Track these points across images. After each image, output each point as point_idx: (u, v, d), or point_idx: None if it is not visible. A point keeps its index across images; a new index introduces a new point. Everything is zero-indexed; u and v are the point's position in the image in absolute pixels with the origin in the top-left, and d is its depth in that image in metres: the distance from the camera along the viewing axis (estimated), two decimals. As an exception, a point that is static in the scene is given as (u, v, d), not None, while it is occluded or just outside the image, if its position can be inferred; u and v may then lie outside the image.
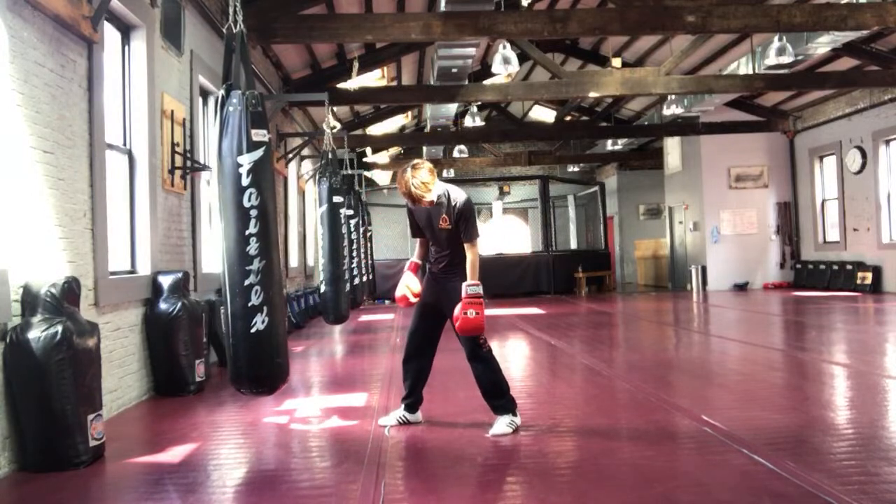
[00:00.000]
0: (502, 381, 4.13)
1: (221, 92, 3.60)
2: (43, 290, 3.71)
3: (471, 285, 3.98)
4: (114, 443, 3.99)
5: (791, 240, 15.83)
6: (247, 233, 3.49)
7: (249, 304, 3.49)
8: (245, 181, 3.49)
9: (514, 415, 4.09)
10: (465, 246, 4.06)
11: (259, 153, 3.52)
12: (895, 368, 6.03)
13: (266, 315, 3.49)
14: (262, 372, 3.59)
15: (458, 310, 3.95)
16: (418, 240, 4.33)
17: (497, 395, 4.11)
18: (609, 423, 4.37)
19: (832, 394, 5.21)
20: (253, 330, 3.49)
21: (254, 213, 3.49)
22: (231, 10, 3.60)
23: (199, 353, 5.66)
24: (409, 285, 4.18)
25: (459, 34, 7.59)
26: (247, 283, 3.48)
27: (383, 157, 19.47)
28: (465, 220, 4.05)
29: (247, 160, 3.50)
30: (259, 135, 3.54)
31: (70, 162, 4.34)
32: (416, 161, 4.11)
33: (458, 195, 4.10)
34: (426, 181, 4.00)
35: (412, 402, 4.28)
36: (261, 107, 3.58)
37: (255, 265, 3.49)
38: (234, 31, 3.61)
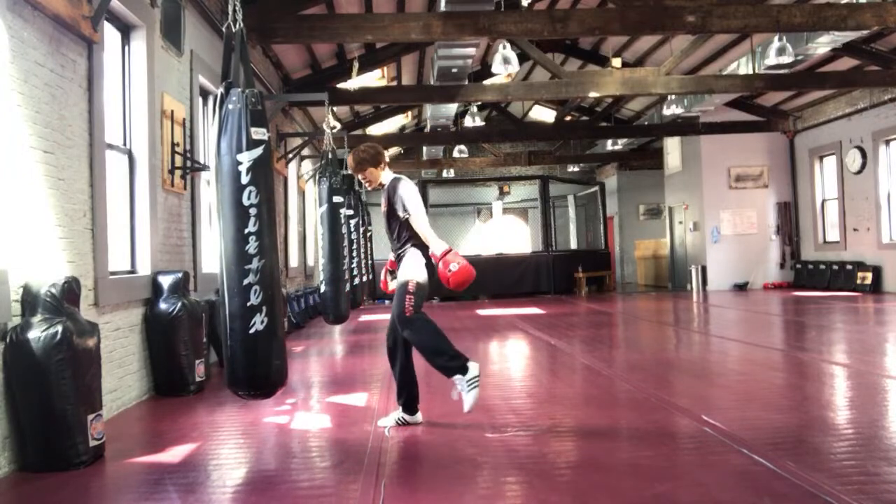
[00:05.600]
0: (435, 339, 4.08)
1: (220, 90, 3.58)
2: (43, 290, 3.71)
3: (437, 248, 4.09)
4: (114, 443, 3.99)
5: (791, 240, 15.84)
6: (246, 231, 3.45)
7: (248, 304, 3.44)
8: (244, 179, 3.46)
9: (466, 370, 4.01)
10: (411, 221, 4.17)
11: (259, 151, 3.50)
12: (895, 368, 6.03)
13: (265, 315, 3.45)
14: (261, 374, 3.51)
15: (440, 269, 4.06)
16: None
17: (436, 353, 4.07)
18: (609, 423, 4.37)
19: (832, 394, 5.21)
20: (252, 330, 3.44)
21: (253, 211, 3.46)
22: (231, 9, 3.60)
23: (199, 353, 5.66)
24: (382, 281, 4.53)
25: (459, 34, 7.59)
26: (246, 282, 3.44)
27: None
28: (400, 197, 4.19)
29: (246, 158, 3.47)
30: (259, 133, 3.51)
31: (70, 162, 4.34)
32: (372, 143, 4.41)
33: (398, 179, 4.29)
34: (366, 157, 4.29)
35: (406, 400, 4.26)
36: (260, 105, 3.56)
37: (255, 264, 3.45)
38: (234, 29, 3.60)
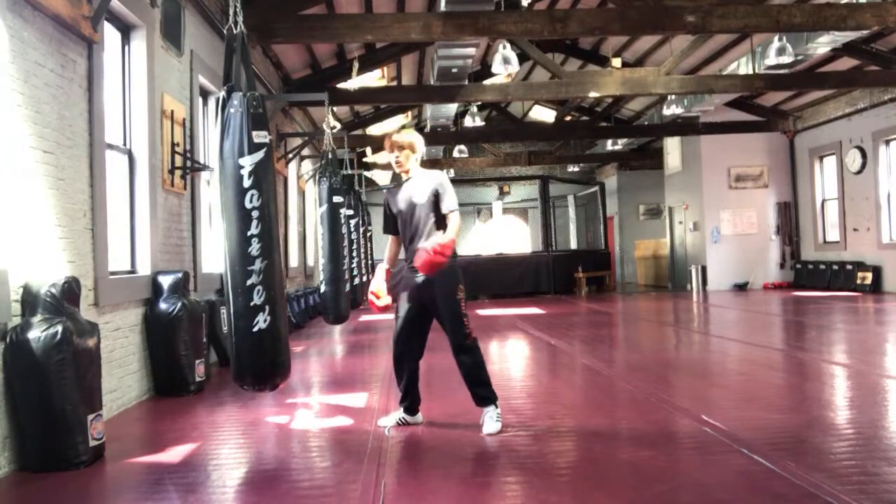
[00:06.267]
0: (485, 371, 4.17)
1: (222, 93, 3.62)
2: (43, 290, 3.71)
3: (450, 238, 3.97)
4: (114, 443, 3.99)
5: (791, 240, 15.84)
6: (248, 234, 3.53)
7: (252, 304, 3.54)
8: (246, 182, 3.53)
9: (496, 404, 4.13)
10: (448, 217, 4.08)
11: (260, 155, 3.56)
12: (895, 368, 6.03)
13: (268, 314, 3.56)
14: (264, 369, 3.66)
15: (434, 248, 3.89)
16: (391, 239, 4.35)
17: (482, 384, 4.14)
18: (609, 423, 4.37)
19: (832, 394, 5.21)
20: (255, 329, 3.55)
21: (255, 214, 3.54)
22: (231, 11, 3.61)
23: (199, 353, 5.66)
24: (376, 290, 4.19)
25: (459, 34, 7.59)
26: (249, 282, 3.54)
27: (383, 156, 19.46)
28: (444, 191, 4.10)
29: (248, 162, 3.54)
30: (260, 136, 3.57)
31: (70, 162, 4.34)
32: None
33: (444, 177, 4.20)
34: (406, 139, 4.17)
35: (409, 403, 4.28)
36: (261, 108, 3.61)
37: (257, 265, 3.54)
38: (235, 32, 3.62)
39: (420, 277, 4.09)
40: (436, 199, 4.10)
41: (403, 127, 4.38)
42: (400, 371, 4.26)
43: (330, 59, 11.78)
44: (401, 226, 4.24)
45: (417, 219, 4.14)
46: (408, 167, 4.22)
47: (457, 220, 4.10)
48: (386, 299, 4.20)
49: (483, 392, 4.13)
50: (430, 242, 3.96)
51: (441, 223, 4.12)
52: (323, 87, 11.18)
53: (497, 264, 16.92)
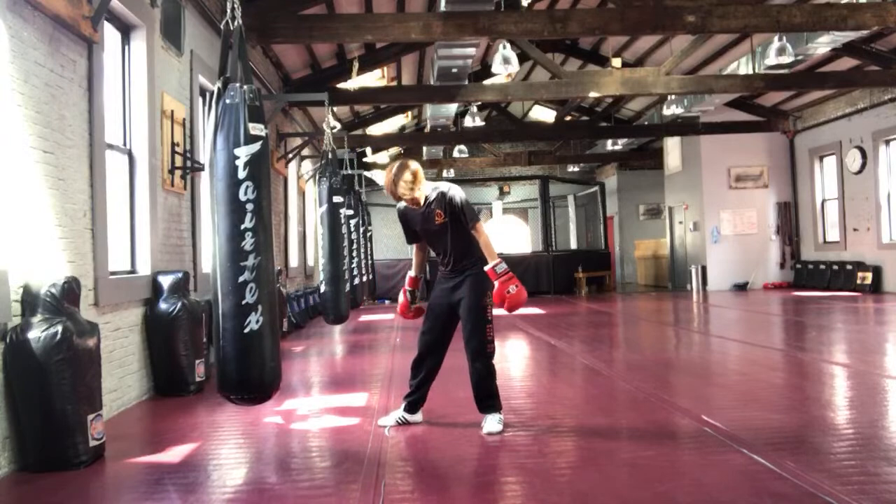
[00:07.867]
0: (495, 382, 4.17)
1: (217, 85, 3.51)
2: (43, 290, 3.71)
3: (497, 265, 4.02)
4: (114, 443, 3.99)
5: (791, 240, 15.84)
6: (242, 227, 3.34)
7: (243, 303, 3.31)
8: (241, 174, 3.36)
9: (500, 411, 4.15)
10: (473, 232, 4.09)
11: (256, 147, 3.41)
12: (895, 368, 6.03)
13: (260, 314, 3.33)
14: (254, 377, 3.38)
15: (497, 288, 3.98)
16: (415, 247, 4.37)
17: (490, 394, 4.14)
18: (609, 423, 4.37)
19: (832, 394, 5.21)
20: (246, 330, 3.31)
21: (250, 207, 3.35)
22: (229, 6, 3.57)
23: (199, 353, 5.66)
24: (402, 308, 4.34)
25: (459, 34, 7.59)
26: (241, 279, 3.32)
27: (383, 157, 19.47)
28: (460, 208, 4.06)
29: (244, 153, 3.37)
30: (257, 129, 3.43)
31: (70, 162, 4.34)
32: (401, 161, 4.12)
33: (448, 187, 4.12)
34: (409, 180, 4.00)
35: (415, 399, 4.27)
36: (258, 101, 3.49)
37: (250, 261, 3.33)
38: (232, 27, 3.57)
39: (451, 281, 4.15)
40: (452, 216, 4.07)
41: (394, 158, 4.18)
42: (418, 369, 4.26)
43: (330, 59, 11.77)
44: (428, 242, 4.26)
45: (444, 243, 4.13)
46: (417, 198, 4.07)
47: (485, 233, 4.09)
48: (414, 310, 4.30)
49: (490, 402, 4.14)
50: (497, 287, 4.01)
51: (469, 233, 4.11)
52: (323, 87, 11.18)
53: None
